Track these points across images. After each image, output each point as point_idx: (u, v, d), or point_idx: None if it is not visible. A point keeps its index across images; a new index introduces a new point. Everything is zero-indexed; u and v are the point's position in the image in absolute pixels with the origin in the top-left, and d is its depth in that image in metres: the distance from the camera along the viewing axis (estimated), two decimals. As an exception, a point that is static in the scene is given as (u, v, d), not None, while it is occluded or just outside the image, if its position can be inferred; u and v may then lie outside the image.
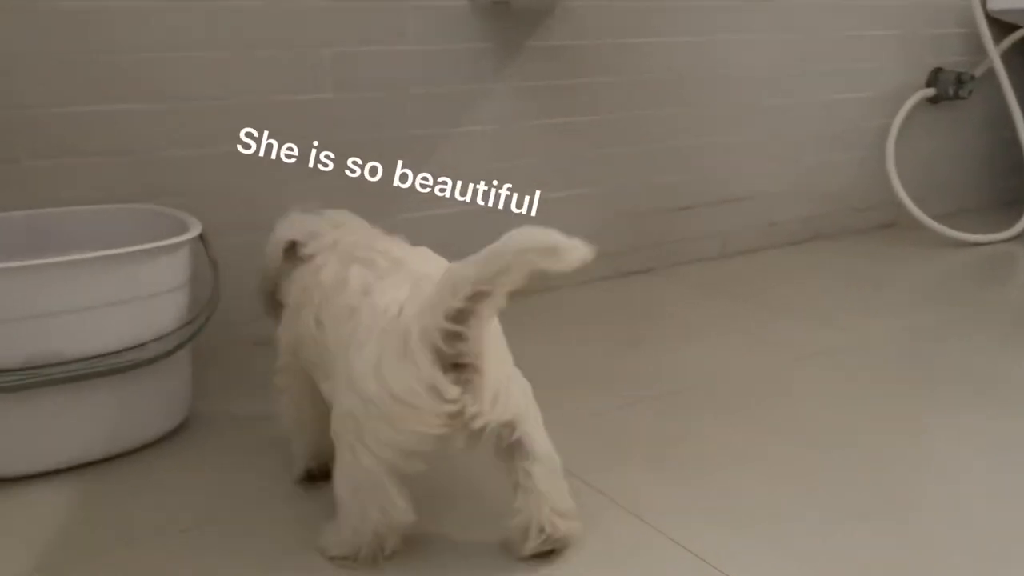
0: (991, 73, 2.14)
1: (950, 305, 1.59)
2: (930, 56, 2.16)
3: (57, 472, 1.01)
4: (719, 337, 1.43)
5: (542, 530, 0.81)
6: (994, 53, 2.12)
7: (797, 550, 0.85)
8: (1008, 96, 2.13)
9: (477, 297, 0.72)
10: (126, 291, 0.99)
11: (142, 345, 1.01)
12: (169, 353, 1.04)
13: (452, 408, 0.75)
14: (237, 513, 0.93)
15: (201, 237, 1.11)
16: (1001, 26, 2.21)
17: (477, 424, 0.77)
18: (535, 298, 1.61)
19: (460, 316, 0.73)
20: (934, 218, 2.02)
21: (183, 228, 1.09)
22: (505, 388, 0.79)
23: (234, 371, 1.31)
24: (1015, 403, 1.17)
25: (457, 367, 0.76)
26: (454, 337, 0.74)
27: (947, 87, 2.14)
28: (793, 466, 1.01)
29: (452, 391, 0.75)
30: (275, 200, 1.36)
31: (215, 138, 1.34)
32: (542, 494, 0.81)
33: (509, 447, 0.81)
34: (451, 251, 0.83)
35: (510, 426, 0.80)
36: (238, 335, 1.38)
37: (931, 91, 2.14)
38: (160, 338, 1.03)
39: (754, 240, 1.98)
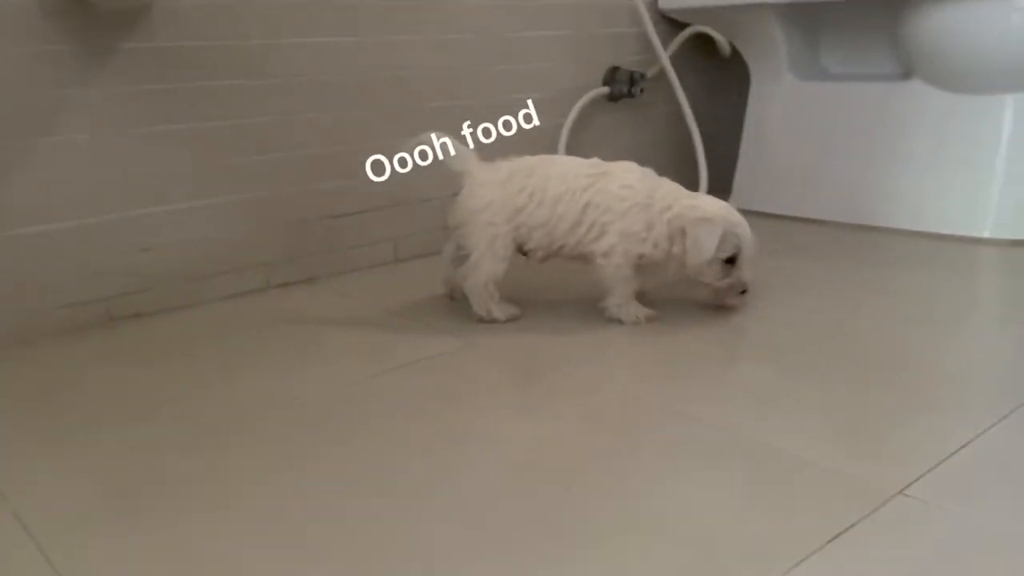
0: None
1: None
2: (607, 55, 2.20)
3: None
4: (326, 357, 1.37)
5: None
6: (661, 52, 2.18)
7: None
8: (678, 93, 2.20)
9: None
10: None
11: None
12: None
13: None
14: None
15: None
16: (679, 25, 2.28)
17: None
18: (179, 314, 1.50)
19: None
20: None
21: None
22: None
23: None
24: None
25: None
26: None
27: (621, 86, 2.18)
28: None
29: None
30: None
31: None
32: None
33: None
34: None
35: None
36: None
37: (605, 89, 2.17)
38: None
39: (429, 245, 1.94)
